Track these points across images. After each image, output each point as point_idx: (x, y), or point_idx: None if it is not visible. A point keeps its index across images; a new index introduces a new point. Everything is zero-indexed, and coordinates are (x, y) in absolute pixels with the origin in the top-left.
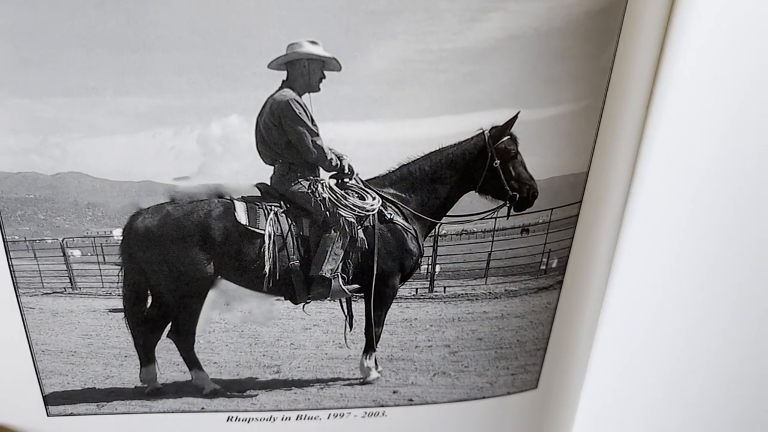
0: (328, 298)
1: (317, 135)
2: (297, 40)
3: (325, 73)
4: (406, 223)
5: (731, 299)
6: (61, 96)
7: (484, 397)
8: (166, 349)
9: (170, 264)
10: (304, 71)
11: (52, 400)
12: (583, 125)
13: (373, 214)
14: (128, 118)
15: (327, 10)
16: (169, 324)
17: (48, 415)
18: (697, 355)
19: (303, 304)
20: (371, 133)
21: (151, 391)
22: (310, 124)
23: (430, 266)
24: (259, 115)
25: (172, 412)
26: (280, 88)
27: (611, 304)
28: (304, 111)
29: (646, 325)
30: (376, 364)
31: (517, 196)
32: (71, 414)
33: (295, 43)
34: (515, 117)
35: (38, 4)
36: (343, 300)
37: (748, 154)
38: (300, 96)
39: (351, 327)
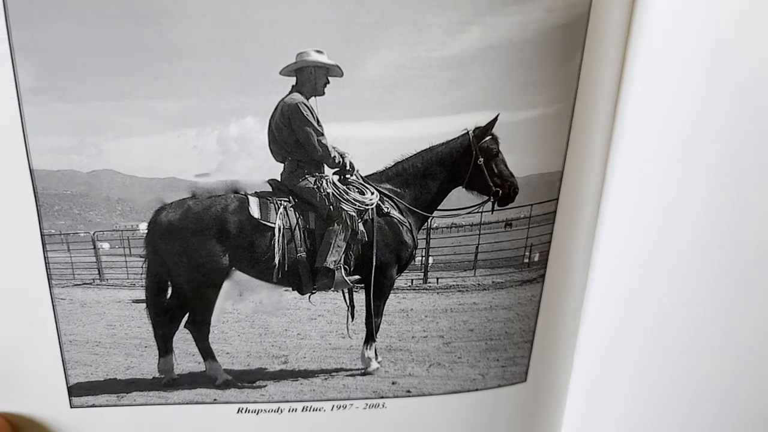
0: (332, 289)
1: (322, 135)
2: (305, 49)
3: (330, 78)
4: (401, 217)
5: (708, 287)
6: (99, 100)
7: (477, 389)
8: (182, 340)
9: (189, 256)
10: (311, 77)
11: (75, 390)
12: (556, 127)
13: (372, 208)
14: (157, 120)
15: (330, 23)
16: (187, 314)
17: (71, 407)
18: (678, 343)
19: (309, 294)
20: (369, 133)
21: (167, 381)
22: (316, 124)
23: (423, 258)
24: (272, 116)
25: (186, 403)
26: (290, 92)
27: (592, 297)
28: (311, 113)
29: (627, 318)
30: (376, 354)
31: (500, 191)
32: (93, 405)
33: (303, 53)
34: (495, 118)
35: (84, 18)
36: (345, 291)
37: (708, 148)
38: (307, 99)
39: (353, 317)
